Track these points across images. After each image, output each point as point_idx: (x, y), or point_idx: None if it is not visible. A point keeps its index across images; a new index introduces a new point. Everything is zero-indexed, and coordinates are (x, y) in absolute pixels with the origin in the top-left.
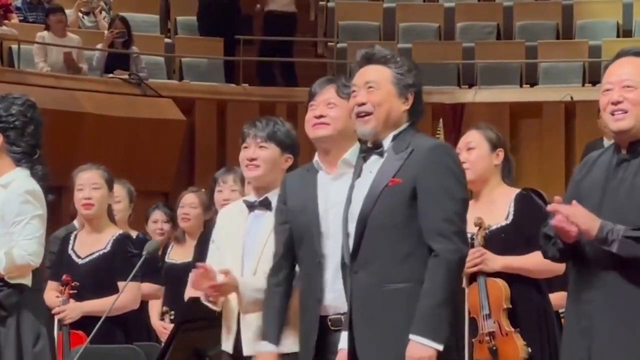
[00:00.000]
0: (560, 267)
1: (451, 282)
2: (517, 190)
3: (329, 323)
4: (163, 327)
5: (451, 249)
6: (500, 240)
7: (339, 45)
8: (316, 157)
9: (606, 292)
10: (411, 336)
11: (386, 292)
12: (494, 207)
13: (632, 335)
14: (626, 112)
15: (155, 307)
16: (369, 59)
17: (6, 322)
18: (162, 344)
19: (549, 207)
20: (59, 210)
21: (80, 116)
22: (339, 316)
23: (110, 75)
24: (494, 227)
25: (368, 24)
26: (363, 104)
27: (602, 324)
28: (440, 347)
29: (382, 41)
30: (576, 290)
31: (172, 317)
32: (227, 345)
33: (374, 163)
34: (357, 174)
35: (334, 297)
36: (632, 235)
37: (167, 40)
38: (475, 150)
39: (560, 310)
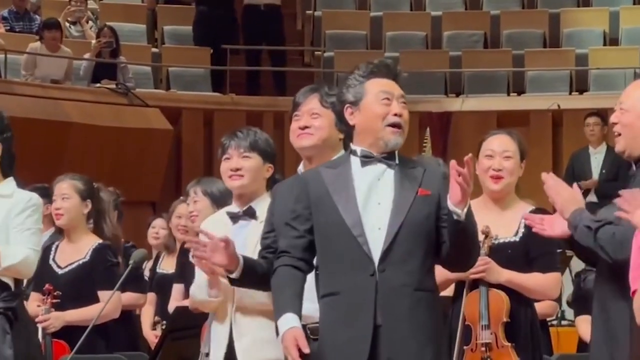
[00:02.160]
0: (555, 293)
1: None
2: (530, 207)
3: (308, 332)
4: (155, 336)
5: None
6: (506, 255)
7: (326, 54)
8: (300, 166)
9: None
10: None
11: (416, 295)
12: (504, 219)
13: None
14: (619, 134)
15: (147, 317)
16: (394, 73)
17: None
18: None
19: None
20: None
21: (67, 126)
22: (317, 325)
23: (98, 84)
24: (502, 240)
25: (355, 32)
26: (400, 115)
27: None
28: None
29: (369, 50)
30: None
31: (164, 327)
32: (216, 356)
33: (382, 171)
34: (350, 178)
35: (314, 308)
36: (589, 224)
37: (154, 49)
38: (512, 159)
39: (548, 319)
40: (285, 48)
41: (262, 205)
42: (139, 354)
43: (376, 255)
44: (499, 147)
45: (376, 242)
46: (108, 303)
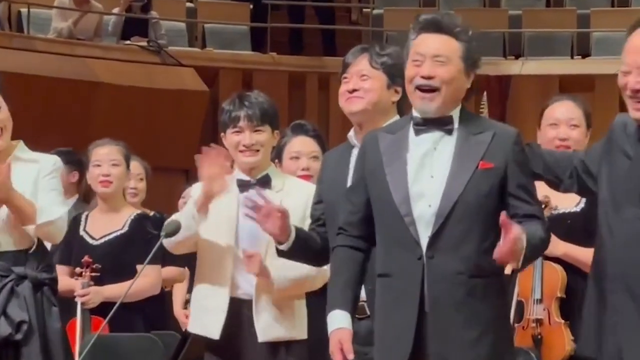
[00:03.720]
0: None
1: (547, 243)
2: None
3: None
4: (186, 316)
5: (548, 228)
6: (565, 226)
7: (375, 11)
8: (351, 132)
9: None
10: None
11: (472, 283)
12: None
13: None
14: None
15: (179, 295)
16: (438, 27)
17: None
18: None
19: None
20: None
21: (94, 86)
22: (363, 303)
23: (128, 42)
24: (562, 210)
25: None
26: (430, 77)
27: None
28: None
29: (421, 7)
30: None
31: None
32: (210, 329)
33: (439, 139)
34: (405, 147)
35: None
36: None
37: (189, 4)
38: (579, 128)
39: None
40: (332, 4)
41: (276, 176)
42: (170, 334)
43: (424, 239)
44: (564, 114)
45: (425, 223)
46: (147, 278)
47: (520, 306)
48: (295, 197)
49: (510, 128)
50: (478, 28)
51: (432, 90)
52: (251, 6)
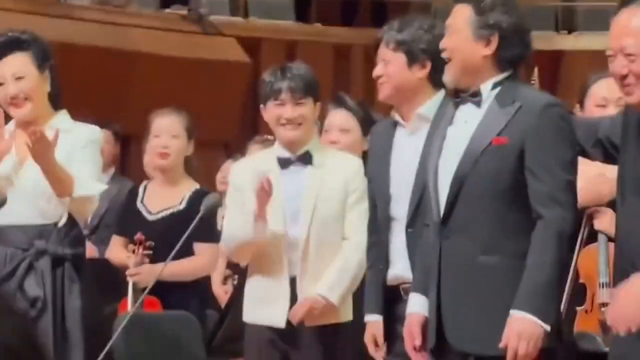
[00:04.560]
0: None
1: (563, 256)
2: None
3: (402, 292)
4: (226, 292)
5: (565, 217)
6: None
7: None
8: (394, 109)
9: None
10: (518, 312)
11: (484, 264)
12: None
13: None
14: (628, 86)
15: (217, 271)
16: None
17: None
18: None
19: None
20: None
21: (132, 55)
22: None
23: (167, 10)
24: None
25: None
26: (444, 49)
27: None
28: (548, 329)
29: None
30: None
31: (236, 283)
32: (275, 318)
33: (470, 112)
34: (449, 120)
35: (406, 267)
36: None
37: None
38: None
39: None
40: None
41: (317, 151)
42: (210, 312)
43: (437, 217)
44: (612, 93)
45: (439, 203)
46: (204, 257)
47: (581, 289)
48: (336, 173)
49: (540, 98)
50: (529, 1)
51: (447, 60)
52: None
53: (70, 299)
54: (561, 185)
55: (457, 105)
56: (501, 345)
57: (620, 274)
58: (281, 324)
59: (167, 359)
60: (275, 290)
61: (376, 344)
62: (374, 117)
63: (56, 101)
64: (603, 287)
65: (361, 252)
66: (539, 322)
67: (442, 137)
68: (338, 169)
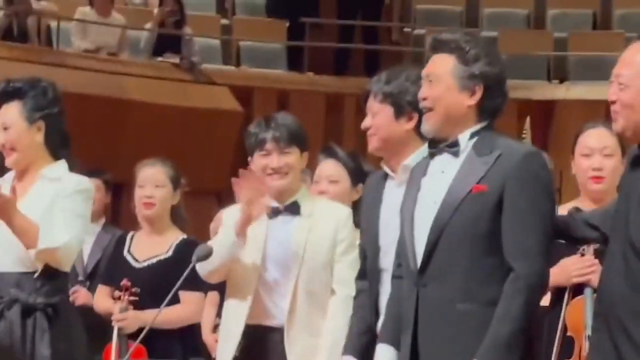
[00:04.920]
0: None
1: (530, 309)
2: None
3: None
4: (216, 340)
5: (534, 272)
6: None
7: (416, 31)
8: (384, 160)
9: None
10: None
11: (462, 312)
12: None
13: None
14: (617, 113)
15: (208, 319)
16: (436, 47)
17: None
18: None
19: None
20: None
21: (125, 103)
22: None
23: (160, 59)
24: None
25: (449, 8)
26: (424, 98)
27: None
28: None
29: (464, 28)
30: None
31: None
32: (223, 355)
33: (447, 162)
34: (423, 172)
35: None
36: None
37: (223, 21)
38: (614, 157)
39: None
40: (371, 23)
41: (306, 201)
42: None
43: (418, 266)
44: (598, 143)
45: (422, 250)
46: (190, 305)
47: (569, 341)
48: (324, 222)
49: (520, 147)
50: (522, 50)
51: (428, 110)
52: (288, 24)
53: (40, 348)
54: (536, 237)
55: (432, 156)
56: None
57: (599, 320)
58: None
59: None
60: (232, 327)
61: None
62: (364, 168)
63: (57, 150)
64: (588, 339)
65: (349, 307)
66: None
67: (417, 188)
68: (327, 218)
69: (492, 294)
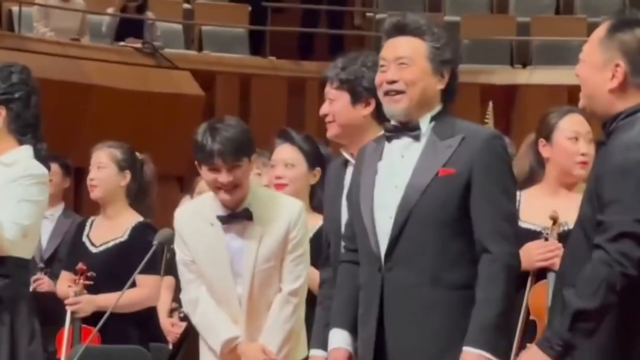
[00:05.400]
0: None
1: (511, 290)
2: None
3: None
4: (172, 325)
5: (511, 253)
6: None
7: (379, 16)
8: (343, 147)
9: None
10: (470, 348)
11: (430, 295)
12: (574, 206)
13: None
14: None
15: (164, 304)
16: (400, 29)
17: (1, 317)
18: (171, 346)
19: None
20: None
21: (87, 88)
22: None
23: (122, 43)
24: (571, 227)
25: None
26: (394, 81)
27: None
28: None
29: (426, 13)
30: None
31: (182, 315)
32: None
33: (407, 147)
34: (378, 156)
35: None
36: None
37: (186, 5)
38: (592, 142)
39: None
40: (333, 8)
41: (258, 202)
42: (159, 346)
43: (383, 250)
44: (583, 127)
45: (385, 234)
46: (145, 289)
47: (532, 325)
48: (277, 224)
49: (482, 130)
50: (485, 35)
51: (398, 92)
52: (250, 8)
53: None
54: (505, 216)
55: (389, 140)
56: None
57: (555, 299)
58: None
59: None
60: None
61: None
62: (322, 151)
63: (22, 135)
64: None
65: (288, 302)
66: (491, 357)
67: (374, 172)
68: (279, 219)
69: (459, 277)
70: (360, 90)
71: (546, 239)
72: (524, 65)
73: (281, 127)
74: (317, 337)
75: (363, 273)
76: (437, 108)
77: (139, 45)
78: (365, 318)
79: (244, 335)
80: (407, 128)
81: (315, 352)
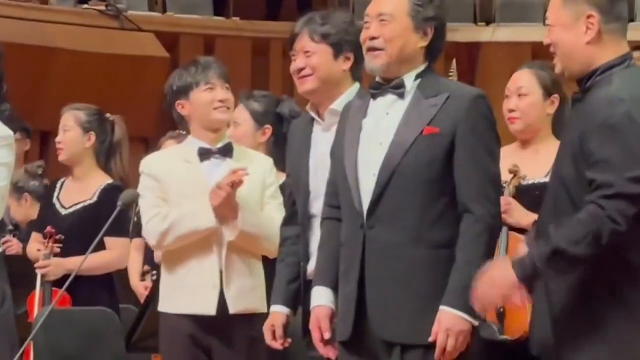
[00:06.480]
0: None
1: (491, 250)
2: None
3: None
4: (145, 288)
5: (493, 214)
6: (533, 197)
7: None
8: (309, 104)
9: None
10: (447, 308)
11: (411, 254)
12: (537, 160)
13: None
14: (554, 54)
15: (135, 266)
16: None
17: None
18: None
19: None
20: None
21: (50, 51)
22: None
23: (85, 5)
24: (531, 181)
25: None
26: (374, 38)
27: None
28: (477, 323)
29: None
30: None
31: (155, 278)
32: (206, 306)
33: (391, 104)
34: (362, 113)
35: None
36: (545, 255)
37: None
38: (528, 97)
39: None
40: None
41: (235, 146)
42: (126, 307)
43: (365, 208)
44: (513, 84)
45: (368, 192)
46: (114, 251)
47: None
48: (253, 166)
49: (469, 89)
50: None
51: (377, 49)
52: None
53: None
54: (489, 177)
55: (374, 97)
56: (430, 339)
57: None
58: (212, 311)
59: (87, 354)
60: (205, 281)
61: (274, 334)
62: (280, 109)
63: None
64: None
65: (277, 218)
66: (468, 318)
67: (358, 129)
68: (254, 163)
69: (441, 236)
70: (342, 44)
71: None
72: (487, 23)
73: (246, 87)
74: (278, 293)
75: (345, 230)
76: (422, 66)
77: (102, 7)
78: (346, 275)
79: (228, 268)
80: (392, 85)
81: (276, 308)
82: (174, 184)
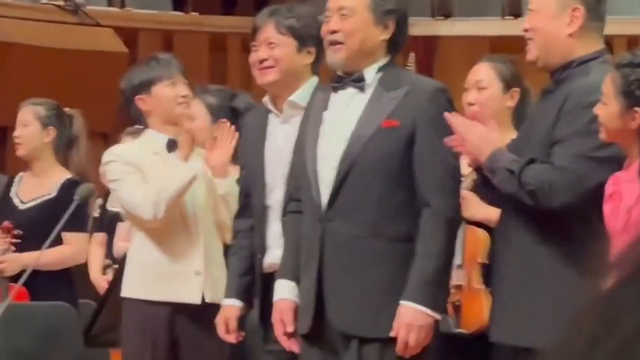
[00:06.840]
0: None
1: (452, 243)
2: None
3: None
4: (106, 281)
5: (452, 207)
6: None
7: None
8: (266, 97)
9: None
10: (408, 303)
11: (369, 248)
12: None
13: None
14: (530, 40)
15: (96, 260)
16: None
17: None
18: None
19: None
20: None
21: (7, 47)
22: None
23: (43, 1)
24: None
25: None
26: (335, 31)
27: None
28: (439, 317)
29: None
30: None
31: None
32: (190, 294)
33: (352, 97)
34: (323, 106)
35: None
36: (510, 167)
37: None
38: (487, 90)
39: None
40: None
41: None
42: (85, 302)
43: (324, 201)
44: (472, 77)
45: (328, 186)
46: (72, 245)
47: None
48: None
49: (430, 83)
50: None
51: (338, 43)
52: None
53: None
54: (449, 170)
55: (335, 90)
56: (392, 334)
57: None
58: (197, 299)
59: (45, 349)
60: (187, 268)
61: (227, 328)
62: (236, 103)
63: None
64: (456, 268)
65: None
66: (430, 312)
67: (319, 123)
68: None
69: (399, 230)
70: (307, 38)
71: None
72: (446, 17)
73: (204, 82)
74: (231, 287)
75: (305, 223)
76: (384, 59)
77: (60, 2)
78: (306, 269)
79: (202, 251)
80: (352, 79)
81: (229, 302)
82: (152, 173)
